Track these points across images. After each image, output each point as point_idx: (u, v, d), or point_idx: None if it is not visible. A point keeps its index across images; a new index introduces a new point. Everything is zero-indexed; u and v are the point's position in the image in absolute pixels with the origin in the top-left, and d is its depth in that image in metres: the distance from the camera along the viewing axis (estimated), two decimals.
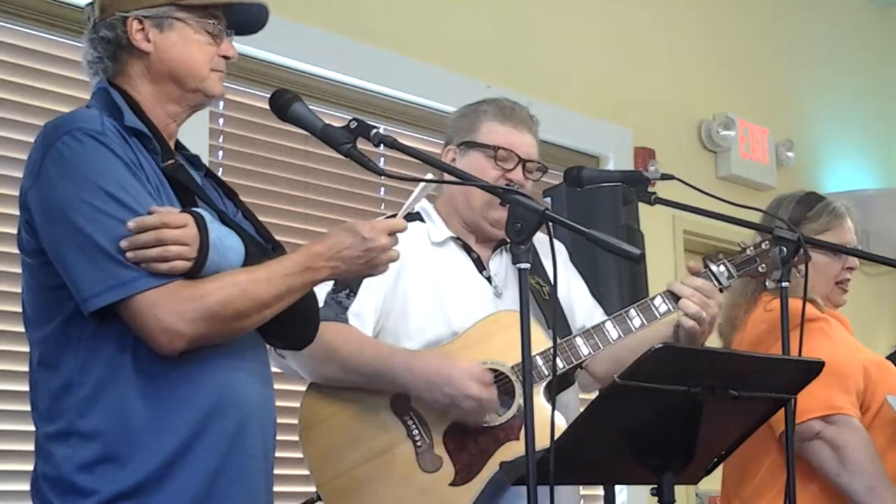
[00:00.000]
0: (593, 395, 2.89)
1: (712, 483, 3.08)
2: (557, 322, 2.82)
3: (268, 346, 2.34)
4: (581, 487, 3.08)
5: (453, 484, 2.67)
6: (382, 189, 4.35)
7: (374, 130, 2.32)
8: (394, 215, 2.39)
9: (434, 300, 2.81)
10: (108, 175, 2.10)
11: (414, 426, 2.70)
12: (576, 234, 2.23)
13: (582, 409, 2.32)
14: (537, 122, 2.96)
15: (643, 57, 5.45)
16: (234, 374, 2.18)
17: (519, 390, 2.68)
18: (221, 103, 3.91)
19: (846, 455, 2.98)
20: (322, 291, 2.68)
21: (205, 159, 2.42)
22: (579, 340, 2.76)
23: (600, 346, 2.76)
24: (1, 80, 3.41)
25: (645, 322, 2.77)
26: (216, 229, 2.13)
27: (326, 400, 2.75)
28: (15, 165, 3.24)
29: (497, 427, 2.69)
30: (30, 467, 2.20)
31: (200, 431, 2.12)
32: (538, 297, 2.84)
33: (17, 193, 2.22)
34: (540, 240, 2.85)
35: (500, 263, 2.93)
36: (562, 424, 2.43)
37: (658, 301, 2.78)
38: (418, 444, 2.70)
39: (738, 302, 3.19)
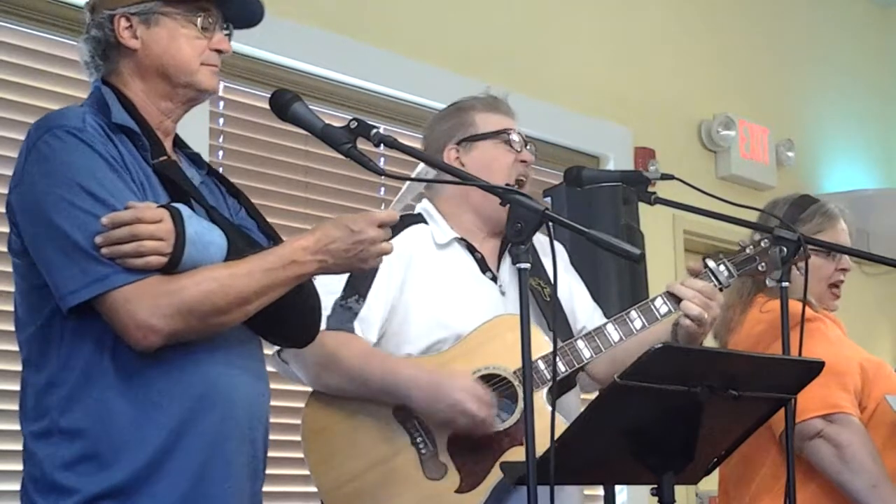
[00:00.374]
0: (594, 395, 2.89)
1: (712, 483, 3.09)
2: (558, 323, 2.81)
3: (271, 349, 2.32)
4: (583, 488, 3.07)
5: (459, 491, 2.66)
6: (382, 189, 4.34)
7: (374, 130, 2.31)
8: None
9: (437, 304, 2.78)
10: (86, 171, 2.07)
11: (417, 434, 2.68)
12: (576, 234, 2.22)
13: (582, 409, 2.32)
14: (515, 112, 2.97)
15: (643, 57, 5.44)
16: (221, 369, 2.14)
17: (521, 395, 2.66)
18: (221, 103, 3.91)
19: (848, 453, 2.98)
20: (330, 299, 2.67)
21: (204, 159, 2.41)
22: (581, 343, 2.75)
23: (602, 348, 2.75)
24: (1, 80, 3.41)
25: (646, 324, 2.77)
26: (195, 224, 2.10)
27: (329, 408, 2.72)
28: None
29: (501, 432, 2.67)
30: None
31: (183, 429, 2.09)
32: (539, 299, 2.83)
33: None
34: (540, 240, 2.84)
35: (509, 262, 2.90)
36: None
37: (659, 302, 2.78)
38: (422, 451, 2.68)
39: (733, 303, 3.19)
